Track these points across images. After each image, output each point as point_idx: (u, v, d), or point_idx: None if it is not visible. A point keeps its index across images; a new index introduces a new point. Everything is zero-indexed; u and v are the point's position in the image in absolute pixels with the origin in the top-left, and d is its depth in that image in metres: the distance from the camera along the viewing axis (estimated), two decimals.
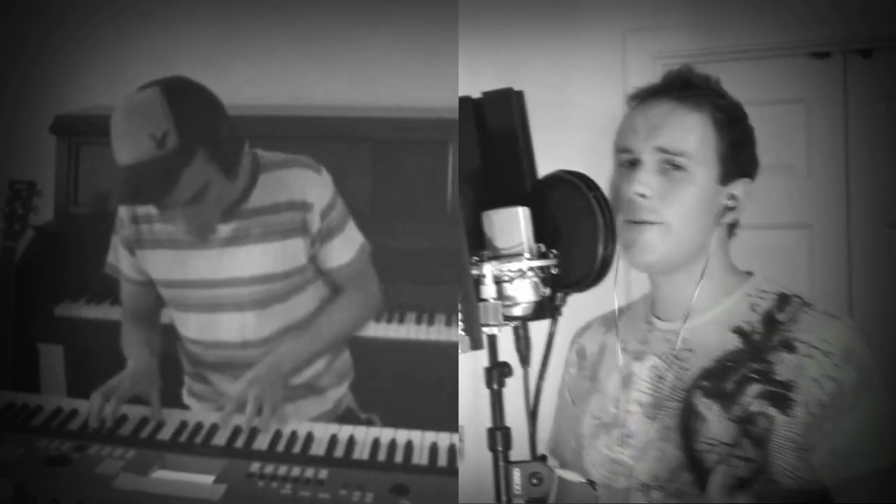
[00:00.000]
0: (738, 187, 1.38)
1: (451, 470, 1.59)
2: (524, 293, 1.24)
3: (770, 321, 1.36)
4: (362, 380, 2.09)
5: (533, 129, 1.31)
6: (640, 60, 2.66)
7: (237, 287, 1.84)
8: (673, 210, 1.34)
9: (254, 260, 1.83)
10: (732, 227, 1.43)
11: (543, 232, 1.26)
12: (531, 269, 1.24)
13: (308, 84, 3.03)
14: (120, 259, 1.96)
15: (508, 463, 1.22)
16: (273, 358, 1.81)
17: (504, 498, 1.21)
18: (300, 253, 1.84)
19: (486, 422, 1.24)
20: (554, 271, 1.25)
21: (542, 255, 1.25)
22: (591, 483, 1.40)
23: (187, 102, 1.66)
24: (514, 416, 1.24)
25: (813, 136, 2.64)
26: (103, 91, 2.98)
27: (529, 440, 1.24)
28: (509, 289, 1.24)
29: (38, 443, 1.60)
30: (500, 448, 1.22)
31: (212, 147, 1.68)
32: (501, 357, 1.24)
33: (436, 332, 2.59)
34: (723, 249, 1.42)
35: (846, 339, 1.31)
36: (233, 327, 1.87)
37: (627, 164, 1.38)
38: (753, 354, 1.34)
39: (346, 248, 1.90)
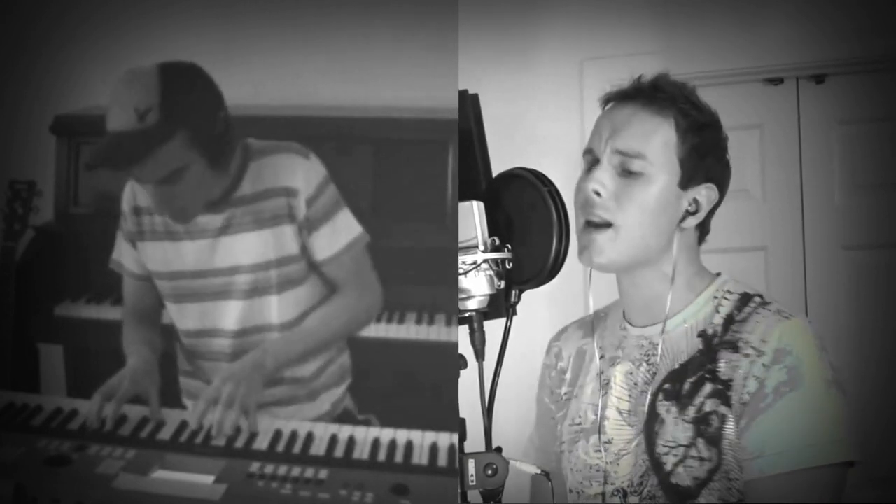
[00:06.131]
0: (702, 192, 1.38)
1: (451, 470, 1.59)
2: (479, 286, 1.25)
3: (728, 321, 1.36)
4: (362, 380, 2.09)
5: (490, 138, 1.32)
6: (596, 89, 2.68)
7: (233, 276, 1.85)
8: (626, 212, 1.35)
9: (247, 248, 1.83)
10: (704, 233, 1.43)
11: (499, 227, 1.27)
12: (486, 261, 1.24)
13: (308, 84, 3.03)
14: (123, 253, 1.97)
15: (463, 454, 1.22)
16: (255, 354, 1.77)
17: (459, 489, 1.21)
18: (290, 240, 1.84)
19: None
20: (508, 265, 1.26)
21: (496, 249, 1.25)
22: (546, 474, 1.43)
23: (181, 86, 1.69)
24: (469, 410, 1.24)
25: (767, 161, 2.70)
26: (103, 91, 2.97)
27: (485, 434, 1.24)
28: (464, 281, 1.25)
29: (38, 443, 1.60)
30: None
31: (195, 133, 1.69)
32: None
33: (436, 332, 2.58)
34: (691, 253, 1.42)
35: (784, 339, 1.29)
36: (231, 315, 1.87)
37: (589, 165, 1.39)
38: (709, 355, 1.35)
39: (335, 238, 1.87)
